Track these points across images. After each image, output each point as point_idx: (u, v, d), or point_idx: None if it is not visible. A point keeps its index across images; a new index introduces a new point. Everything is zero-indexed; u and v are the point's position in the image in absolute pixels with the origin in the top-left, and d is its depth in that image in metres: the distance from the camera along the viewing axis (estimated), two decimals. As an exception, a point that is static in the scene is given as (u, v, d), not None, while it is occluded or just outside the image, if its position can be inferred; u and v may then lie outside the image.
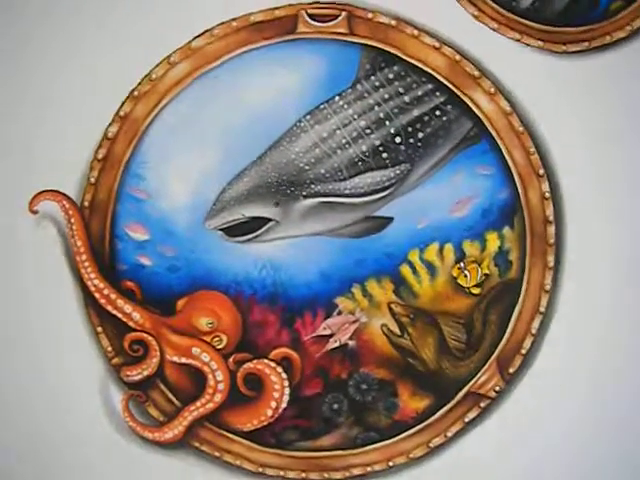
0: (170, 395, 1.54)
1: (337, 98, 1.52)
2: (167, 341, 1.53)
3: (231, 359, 1.53)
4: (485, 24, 1.55)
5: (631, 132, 1.55)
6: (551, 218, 1.56)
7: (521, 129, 1.55)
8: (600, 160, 1.56)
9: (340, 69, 1.52)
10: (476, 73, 1.54)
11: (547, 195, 1.56)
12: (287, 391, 1.53)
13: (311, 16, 1.52)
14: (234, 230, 1.52)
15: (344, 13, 1.53)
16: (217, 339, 1.54)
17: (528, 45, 1.56)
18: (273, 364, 1.53)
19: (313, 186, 1.51)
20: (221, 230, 1.52)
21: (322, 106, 1.52)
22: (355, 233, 1.54)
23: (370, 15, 1.53)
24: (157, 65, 1.50)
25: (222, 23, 1.51)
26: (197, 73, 1.51)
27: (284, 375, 1.53)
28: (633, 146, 1.55)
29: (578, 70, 1.57)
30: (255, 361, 1.53)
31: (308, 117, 1.51)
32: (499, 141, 1.55)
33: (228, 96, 1.51)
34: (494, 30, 1.55)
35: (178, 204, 1.51)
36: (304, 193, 1.51)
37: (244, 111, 1.51)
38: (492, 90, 1.54)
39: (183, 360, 1.53)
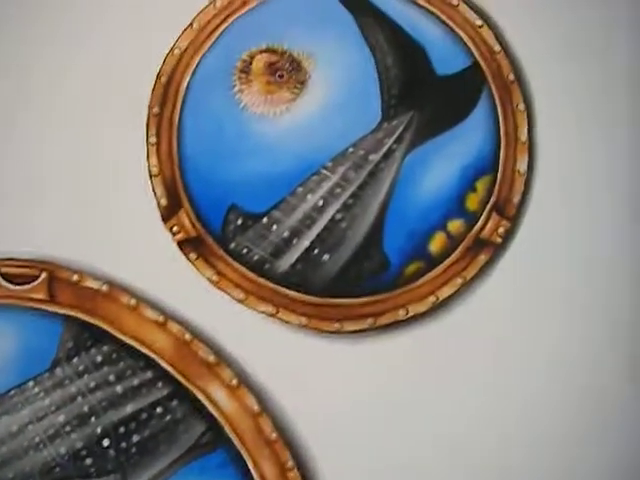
0: None
1: (31, 384, 1.17)
2: None
3: None
4: (227, 293, 1.15)
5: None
6: None
7: (274, 435, 1.14)
8: None
9: (37, 346, 1.17)
10: (211, 359, 1.14)
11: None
12: None
13: (4, 276, 1.17)
14: None
15: (44, 274, 1.17)
16: None
17: (287, 322, 1.14)
18: None
19: (-2, 497, 1.17)
20: None
21: (12, 392, 1.17)
22: None
23: (75, 277, 1.16)
24: None
25: None
26: None
27: None
28: None
29: (358, 356, 1.14)
30: None
31: (-5, 402, 1.17)
32: (243, 451, 1.14)
33: None
34: (239, 301, 1.14)
35: None
36: (-14, 505, 1.17)
37: None
38: (234, 382, 1.14)
39: None
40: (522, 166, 1.17)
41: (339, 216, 1.15)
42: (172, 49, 1.18)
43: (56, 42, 1.19)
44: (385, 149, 1.15)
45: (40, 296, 1.17)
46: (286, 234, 1.15)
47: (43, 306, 1.17)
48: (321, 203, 1.15)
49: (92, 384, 1.17)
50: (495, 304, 1.15)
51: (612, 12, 1.18)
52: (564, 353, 1.16)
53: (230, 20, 1.18)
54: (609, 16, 1.18)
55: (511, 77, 1.18)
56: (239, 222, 1.15)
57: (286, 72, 1.16)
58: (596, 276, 1.16)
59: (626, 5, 1.18)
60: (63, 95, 1.19)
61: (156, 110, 1.17)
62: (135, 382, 1.16)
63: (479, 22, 1.19)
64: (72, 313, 1.17)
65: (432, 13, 1.19)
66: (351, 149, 1.15)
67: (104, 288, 1.17)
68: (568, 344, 1.16)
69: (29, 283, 1.17)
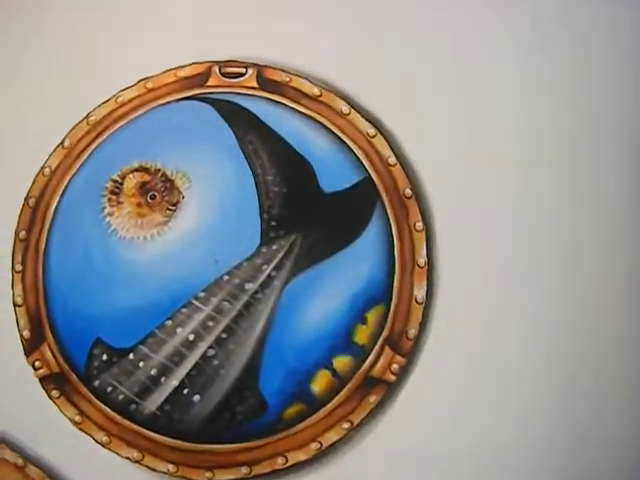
0: None
1: None
2: None
3: None
4: (90, 435, 1.05)
5: None
6: None
7: None
8: None
9: None
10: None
11: None
12: None
13: None
14: None
15: None
16: None
17: (154, 469, 1.03)
18: None
19: None
20: None
21: None
22: None
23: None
24: None
25: None
26: None
27: None
28: None
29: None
30: None
31: None
32: None
33: None
34: (103, 445, 1.05)
35: None
36: None
37: None
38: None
39: None
40: (420, 293, 1.03)
41: (211, 352, 1.03)
42: (42, 169, 1.10)
43: None
44: (263, 277, 1.04)
45: None
46: (154, 372, 1.04)
47: None
48: (192, 338, 1.04)
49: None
50: (388, 452, 1.01)
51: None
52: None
53: (103, 137, 1.10)
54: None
55: (408, 192, 1.05)
56: (104, 358, 1.05)
57: (159, 192, 1.06)
58: (508, 422, 1.00)
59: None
60: None
61: (23, 235, 1.09)
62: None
63: (372, 131, 1.06)
64: None
65: (320, 123, 1.07)
66: (226, 277, 1.04)
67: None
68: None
69: None
